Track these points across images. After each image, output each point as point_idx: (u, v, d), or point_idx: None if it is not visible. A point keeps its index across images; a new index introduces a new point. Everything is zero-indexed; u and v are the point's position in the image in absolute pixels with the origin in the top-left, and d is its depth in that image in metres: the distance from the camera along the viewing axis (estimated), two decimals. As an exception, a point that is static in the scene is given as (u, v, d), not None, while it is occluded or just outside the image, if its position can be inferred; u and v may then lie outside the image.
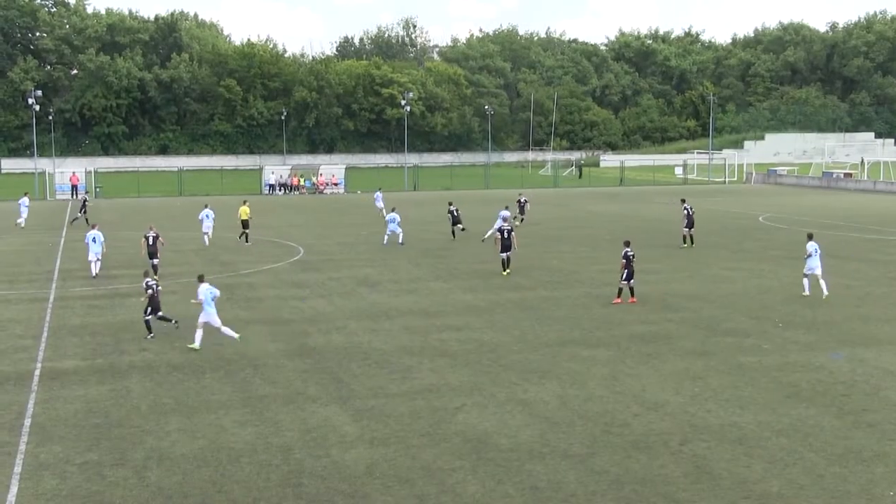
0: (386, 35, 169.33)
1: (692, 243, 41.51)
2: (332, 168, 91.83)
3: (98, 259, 34.30)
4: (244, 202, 45.31)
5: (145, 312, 24.11)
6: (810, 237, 29.67)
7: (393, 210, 44.87)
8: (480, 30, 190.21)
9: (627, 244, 28.54)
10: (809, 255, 28.86)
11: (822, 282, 28.86)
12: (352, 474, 14.46)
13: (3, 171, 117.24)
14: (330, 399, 18.42)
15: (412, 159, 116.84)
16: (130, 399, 18.47)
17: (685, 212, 41.89)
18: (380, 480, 14.21)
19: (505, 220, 38.87)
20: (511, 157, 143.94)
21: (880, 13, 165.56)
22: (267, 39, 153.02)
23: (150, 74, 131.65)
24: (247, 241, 43.56)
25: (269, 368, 20.83)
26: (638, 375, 20.02)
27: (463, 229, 45.38)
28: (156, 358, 21.77)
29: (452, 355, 21.92)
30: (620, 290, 28.22)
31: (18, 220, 52.85)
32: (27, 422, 16.98)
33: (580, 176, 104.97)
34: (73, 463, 14.93)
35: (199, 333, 22.64)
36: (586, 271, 34.53)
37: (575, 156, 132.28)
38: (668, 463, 14.83)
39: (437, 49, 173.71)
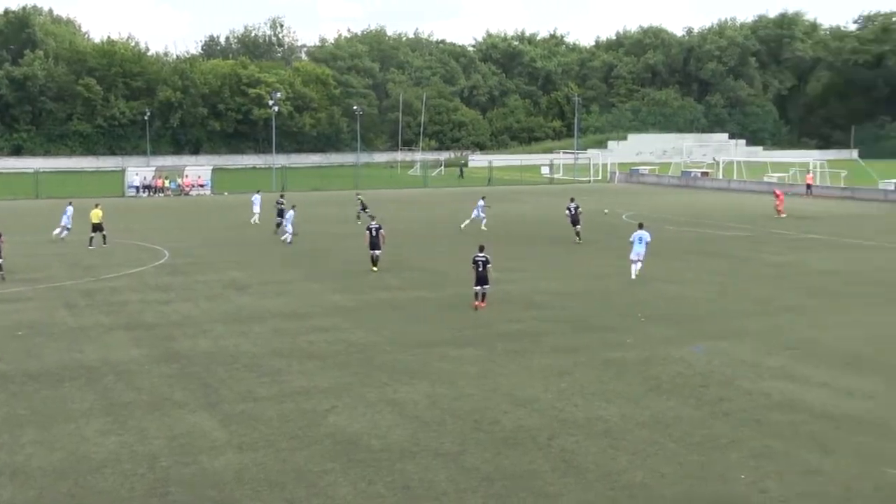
0: (253, 34, 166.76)
1: (580, 239, 43.51)
2: (198, 169, 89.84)
3: None
4: (96, 205, 43.85)
5: None
6: (640, 226, 33.29)
7: (293, 208, 45.12)
8: (349, 30, 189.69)
9: (481, 249, 27.83)
10: (633, 242, 32.53)
11: (638, 265, 32.39)
12: (221, 480, 14.19)
13: None
14: (197, 405, 18.03)
15: (280, 160, 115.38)
16: (-17, 411, 17.64)
17: (568, 211, 44.37)
18: (249, 486, 14.00)
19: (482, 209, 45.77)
20: (381, 157, 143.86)
21: (730, 20, 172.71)
22: (128, 37, 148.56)
23: (2, 72, 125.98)
24: (104, 243, 42.18)
25: (133, 375, 20.23)
26: (507, 373, 20.32)
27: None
28: (10, 368, 20.85)
29: (322, 357, 21.78)
30: (476, 294, 27.59)
31: None
32: None
33: (462, 176, 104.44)
34: (-80, 480, 14.17)
35: None
36: (456, 271, 34.82)
37: (444, 156, 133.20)
38: (537, 458, 15.10)
39: (306, 49, 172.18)
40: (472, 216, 49.27)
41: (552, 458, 15.14)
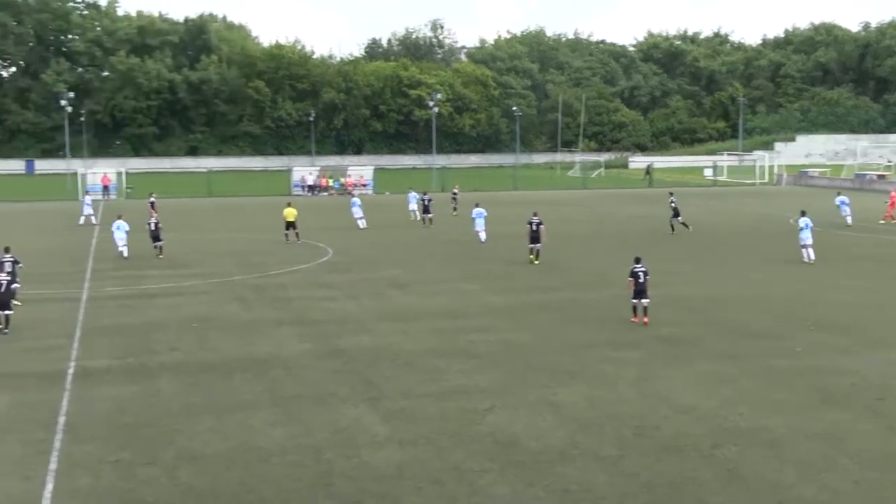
0: (414, 36, 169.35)
1: (672, 230, 46.41)
2: (360, 169, 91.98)
3: (125, 244, 39.60)
4: (288, 204, 46.02)
5: None
6: (803, 213, 36.53)
7: (477, 205, 45.58)
8: (508, 31, 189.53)
9: (637, 260, 26.21)
10: (801, 229, 35.95)
11: (811, 250, 35.73)
12: (382, 475, 14.48)
13: (36, 172, 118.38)
14: (360, 400, 18.47)
15: (440, 160, 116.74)
16: (161, 399, 18.60)
17: (672, 205, 47.74)
18: (410, 481, 14.23)
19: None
20: (539, 158, 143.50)
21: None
22: (295, 41, 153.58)
23: (180, 76, 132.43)
24: (298, 240, 44.20)
25: (299, 369, 20.91)
26: (667, 378, 19.92)
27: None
28: (186, 358, 21.92)
29: (481, 357, 21.91)
30: (634, 307, 25.90)
31: (81, 220, 54.87)
32: (61, 420, 17.15)
33: (650, 182, 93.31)
34: (105, 461, 15.06)
35: None
36: (615, 273, 34.34)
37: (604, 157, 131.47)
38: (699, 466, 14.74)
39: (465, 50, 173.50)
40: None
41: (715, 466, 14.74)
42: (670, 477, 14.30)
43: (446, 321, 26.16)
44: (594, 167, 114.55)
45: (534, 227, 36.97)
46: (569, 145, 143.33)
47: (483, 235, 43.98)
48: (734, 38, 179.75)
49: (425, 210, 52.68)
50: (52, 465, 14.83)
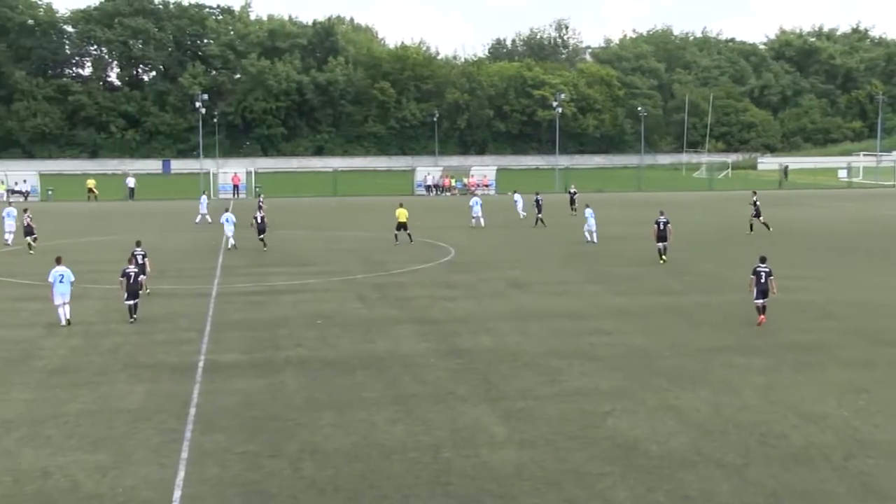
0: (538, 37, 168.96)
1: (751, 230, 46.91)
2: (483, 169, 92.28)
3: (233, 234, 42.70)
4: (400, 204, 46.07)
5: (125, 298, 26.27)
6: None
7: (587, 206, 46.07)
8: (634, 30, 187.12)
9: (762, 260, 25.83)
10: None
11: None
12: (500, 475, 14.48)
13: (171, 172, 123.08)
14: (479, 399, 18.50)
15: (563, 161, 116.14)
16: (286, 393, 19.05)
17: (754, 202, 48.65)
18: (529, 482, 14.18)
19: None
20: (664, 159, 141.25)
21: None
22: (420, 42, 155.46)
23: (308, 77, 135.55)
24: (410, 241, 44.24)
25: (420, 367, 21.09)
26: (796, 385, 19.28)
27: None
28: (310, 354, 22.38)
29: (602, 359, 21.67)
30: (758, 308, 25.58)
31: (197, 219, 57.13)
32: (192, 411, 17.76)
33: (780, 183, 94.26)
34: (233, 452, 15.52)
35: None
36: (742, 277, 33.47)
37: (731, 158, 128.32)
38: (830, 478, 14.21)
39: (590, 50, 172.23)
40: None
41: (848, 479, 14.18)
42: (799, 487, 13.82)
43: (567, 322, 25.97)
44: (721, 168, 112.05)
45: (661, 227, 37.39)
46: (695, 146, 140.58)
47: (594, 236, 44.14)
48: (874, 33, 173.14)
49: (538, 209, 53.03)
50: (184, 454, 15.37)
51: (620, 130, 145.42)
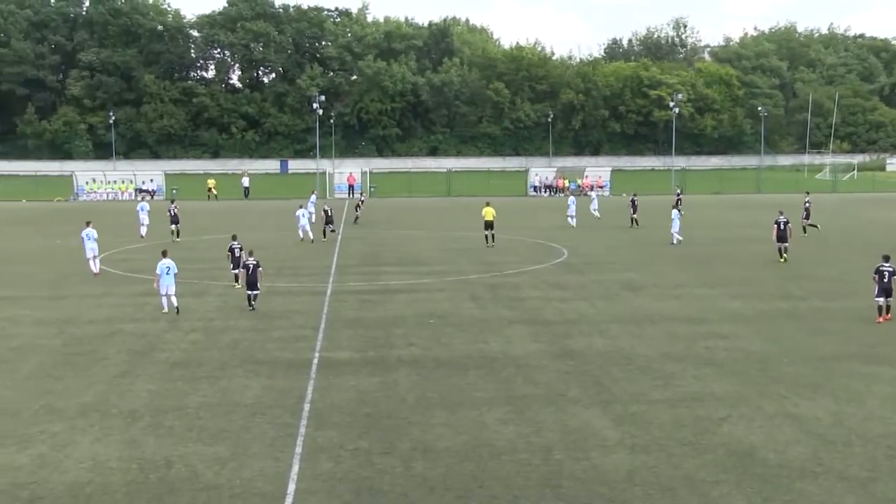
0: (655, 36, 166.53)
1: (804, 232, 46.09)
2: (597, 170, 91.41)
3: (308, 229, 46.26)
4: (487, 203, 45.35)
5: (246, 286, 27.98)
6: None
7: (673, 208, 46.66)
8: (755, 28, 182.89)
9: (886, 259, 25.45)
10: None
11: None
12: (612, 479, 14.32)
13: (289, 171, 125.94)
14: (591, 402, 18.34)
15: (679, 162, 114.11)
16: (398, 392, 19.25)
17: (805, 205, 48.27)
18: (640, 488, 13.98)
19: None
20: (785, 160, 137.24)
21: None
22: (535, 42, 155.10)
23: (423, 79, 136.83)
24: (493, 241, 43.66)
25: (531, 369, 21.03)
26: (925, 397, 18.49)
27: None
28: (422, 353, 22.56)
29: (718, 364, 21.21)
30: (879, 308, 25.34)
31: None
32: (306, 407, 18.11)
33: None
34: (345, 448, 15.76)
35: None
36: (865, 282, 32.30)
37: (857, 159, 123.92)
38: (961, 495, 13.58)
39: (709, 49, 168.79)
40: None
41: (978, 496, 13.52)
42: (925, 503, 13.26)
43: (682, 326, 25.51)
44: (846, 169, 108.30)
45: (781, 227, 37.64)
46: (818, 146, 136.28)
47: (678, 237, 44.14)
48: None
49: (633, 209, 53.35)
50: (298, 449, 15.69)
51: (739, 131, 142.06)
